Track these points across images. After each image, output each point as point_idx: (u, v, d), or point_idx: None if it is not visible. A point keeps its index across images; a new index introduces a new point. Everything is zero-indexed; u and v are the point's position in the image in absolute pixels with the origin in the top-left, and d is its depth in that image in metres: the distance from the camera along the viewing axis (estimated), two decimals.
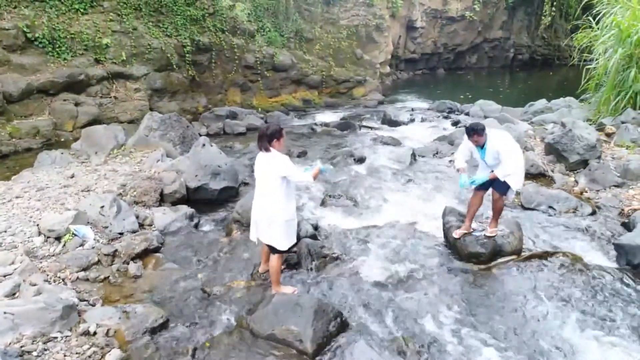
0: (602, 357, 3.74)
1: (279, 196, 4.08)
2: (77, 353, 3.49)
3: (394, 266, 4.95)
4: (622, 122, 8.80)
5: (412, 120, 13.08)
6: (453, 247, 5.21)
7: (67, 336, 3.65)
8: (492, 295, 4.50)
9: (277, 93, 15.35)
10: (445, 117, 13.67)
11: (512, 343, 3.86)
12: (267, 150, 4.03)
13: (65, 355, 3.44)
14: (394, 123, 12.62)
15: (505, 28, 26.40)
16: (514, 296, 4.46)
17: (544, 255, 5.07)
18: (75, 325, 3.78)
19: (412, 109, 14.91)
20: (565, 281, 4.66)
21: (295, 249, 5.04)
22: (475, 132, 4.65)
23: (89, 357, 3.47)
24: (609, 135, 8.66)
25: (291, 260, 4.91)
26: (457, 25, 24.67)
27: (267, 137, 3.99)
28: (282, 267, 4.68)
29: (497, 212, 5.05)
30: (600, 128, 8.93)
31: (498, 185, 4.87)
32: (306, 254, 4.87)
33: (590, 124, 8.90)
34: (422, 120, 13.24)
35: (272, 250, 4.25)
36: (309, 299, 3.82)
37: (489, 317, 4.18)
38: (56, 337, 3.61)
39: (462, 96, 16.94)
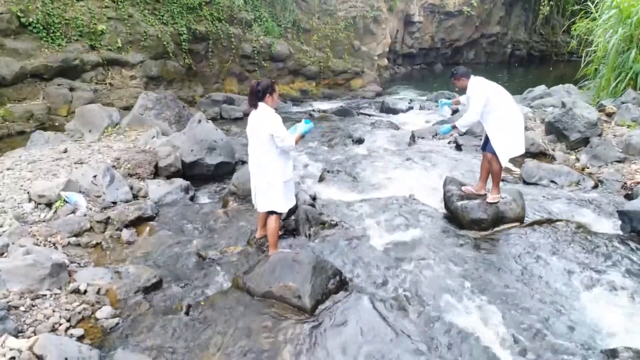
0: (608, 319, 3.62)
1: (273, 156, 3.94)
2: (66, 309, 3.36)
3: (394, 233, 4.84)
4: (622, 103, 8.72)
5: (411, 108, 12.99)
6: (454, 215, 5.09)
7: (56, 294, 3.52)
8: (495, 259, 4.38)
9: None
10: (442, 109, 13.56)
11: (515, 304, 3.74)
12: (255, 106, 3.91)
13: (54, 311, 3.31)
14: (392, 111, 12.53)
15: (502, 24, 26.39)
16: (517, 260, 4.34)
17: (547, 222, 4.96)
18: (65, 284, 3.65)
19: (411, 100, 14.82)
20: (570, 247, 4.54)
21: (292, 217, 4.94)
22: (452, 76, 4.88)
23: (79, 313, 3.34)
24: (609, 115, 8.56)
25: (289, 227, 4.79)
26: (455, 20, 24.61)
27: (259, 93, 3.87)
28: (280, 232, 4.56)
29: (495, 177, 4.96)
30: (601, 109, 8.83)
31: (488, 145, 4.85)
32: (304, 220, 4.75)
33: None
34: (421, 108, 13.15)
35: (270, 211, 4.13)
36: (307, 255, 3.70)
37: (492, 280, 4.06)
38: (45, 295, 3.48)
39: (457, 89, 16.87)
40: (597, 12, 10.47)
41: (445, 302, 3.72)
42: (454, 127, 4.98)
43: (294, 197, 4.27)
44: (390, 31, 20.25)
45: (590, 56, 10.50)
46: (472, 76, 4.80)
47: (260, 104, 3.90)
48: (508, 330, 3.44)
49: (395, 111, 12.49)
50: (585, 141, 7.60)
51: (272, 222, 4.12)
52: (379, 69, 19.18)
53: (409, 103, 13.63)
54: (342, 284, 3.71)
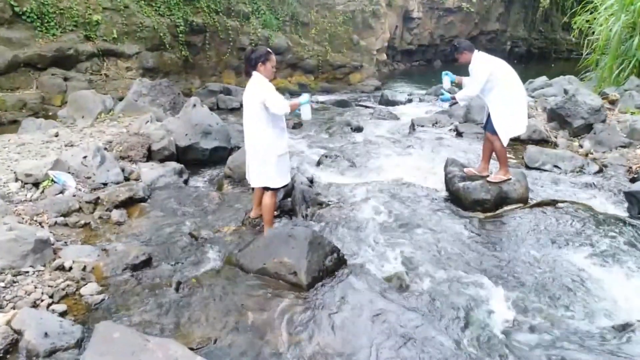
0: (618, 297, 3.46)
1: (266, 128, 3.76)
2: (49, 286, 3.19)
3: (394, 213, 4.67)
4: (625, 90, 8.58)
5: (410, 101, 12.84)
6: (456, 196, 4.93)
7: (39, 270, 3.35)
8: (499, 239, 4.22)
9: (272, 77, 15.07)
10: (443, 101, 13.40)
11: (521, 283, 3.57)
12: (248, 74, 3.77)
13: (36, 287, 3.14)
14: (391, 103, 12.36)
15: (502, 20, 26.30)
16: (523, 241, 4.17)
17: (552, 204, 4.80)
18: (49, 261, 3.48)
19: (410, 93, 14.68)
20: (576, 228, 4.37)
21: (289, 198, 4.78)
22: (455, 50, 4.65)
23: (62, 289, 3.17)
24: (612, 102, 8.42)
25: (285, 207, 4.63)
26: (454, 16, 24.50)
27: (252, 60, 3.72)
28: (276, 213, 4.41)
29: (499, 156, 4.81)
30: (604, 97, 8.69)
31: (489, 124, 4.71)
32: (301, 200, 4.59)
33: None
34: (420, 101, 13.00)
35: (265, 187, 3.97)
36: (303, 231, 3.54)
37: (496, 260, 3.89)
38: (27, 271, 3.31)
39: (456, 85, 16.74)
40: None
41: (448, 281, 3.56)
42: (454, 98, 4.84)
43: (289, 174, 4.09)
44: (389, 27, 20.11)
45: (592, 45, 10.37)
46: (475, 50, 4.65)
47: (254, 72, 3.75)
48: (514, 308, 3.27)
49: (394, 103, 12.32)
50: (588, 127, 7.44)
51: (268, 198, 3.96)
52: (378, 64, 19.04)
53: (409, 96, 13.48)
54: (340, 262, 3.54)
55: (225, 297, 3.20)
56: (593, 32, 10.91)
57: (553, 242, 4.12)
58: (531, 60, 27.05)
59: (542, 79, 11.88)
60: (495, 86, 4.60)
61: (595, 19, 10.88)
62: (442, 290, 3.39)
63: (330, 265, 3.46)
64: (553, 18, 28.22)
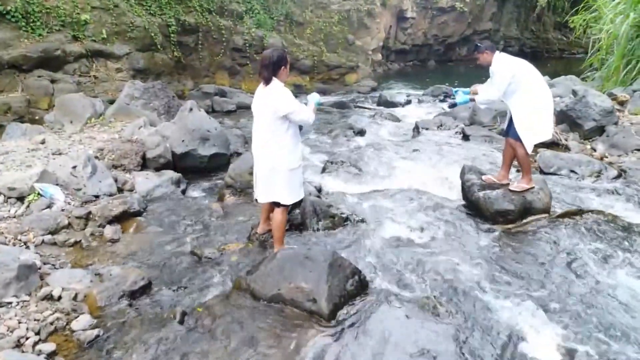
0: None
1: (281, 139, 3.44)
2: (35, 320, 2.81)
3: (411, 227, 4.34)
4: (634, 91, 8.35)
5: (409, 102, 12.55)
6: (475, 206, 4.61)
7: (24, 301, 2.96)
8: (527, 253, 3.90)
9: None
10: (442, 101, 13.10)
11: (561, 303, 3.26)
12: (268, 81, 3.40)
13: (20, 322, 2.76)
14: (390, 104, 12.06)
15: (494, 20, 26.18)
16: (555, 256, 3.84)
17: (578, 214, 4.50)
18: (35, 289, 3.09)
19: (408, 94, 14.40)
20: (609, 241, 4.06)
21: (298, 210, 4.43)
22: (476, 49, 4.39)
23: (51, 323, 2.79)
24: (621, 103, 8.17)
25: (294, 221, 4.27)
26: (447, 16, 24.31)
27: (273, 65, 3.35)
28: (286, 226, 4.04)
29: (522, 163, 4.50)
30: (612, 98, 8.45)
31: (511, 130, 4.41)
32: (311, 213, 4.23)
33: None
34: (419, 102, 12.72)
35: (276, 203, 3.62)
36: (322, 252, 3.19)
37: (530, 277, 3.57)
38: (10, 303, 2.93)
39: (454, 84, 16.50)
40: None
41: (482, 305, 3.22)
42: (472, 100, 4.54)
43: (302, 188, 3.72)
44: (384, 26, 19.84)
45: (596, 44, 10.16)
46: (497, 51, 4.34)
47: (274, 79, 3.38)
48: (558, 333, 2.96)
49: (393, 104, 12.03)
50: (600, 130, 7.19)
51: (279, 214, 3.60)
52: (373, 64, 18.75)
53: (407, 97, 13.19)
54: (362, 285, 3.20)
55: (236, 330, 2.84)
56: (584, 32, 10.77)
57: (587, 257, 3.81)
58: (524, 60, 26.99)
59: (545, 79, 11.65)
60: (518, 89, 4.29)
61: (596, 18, 10.69)
62: (477, 315, 3.06)
63: (351, 289, 3.11)
64: (545, 17, 28.26)
